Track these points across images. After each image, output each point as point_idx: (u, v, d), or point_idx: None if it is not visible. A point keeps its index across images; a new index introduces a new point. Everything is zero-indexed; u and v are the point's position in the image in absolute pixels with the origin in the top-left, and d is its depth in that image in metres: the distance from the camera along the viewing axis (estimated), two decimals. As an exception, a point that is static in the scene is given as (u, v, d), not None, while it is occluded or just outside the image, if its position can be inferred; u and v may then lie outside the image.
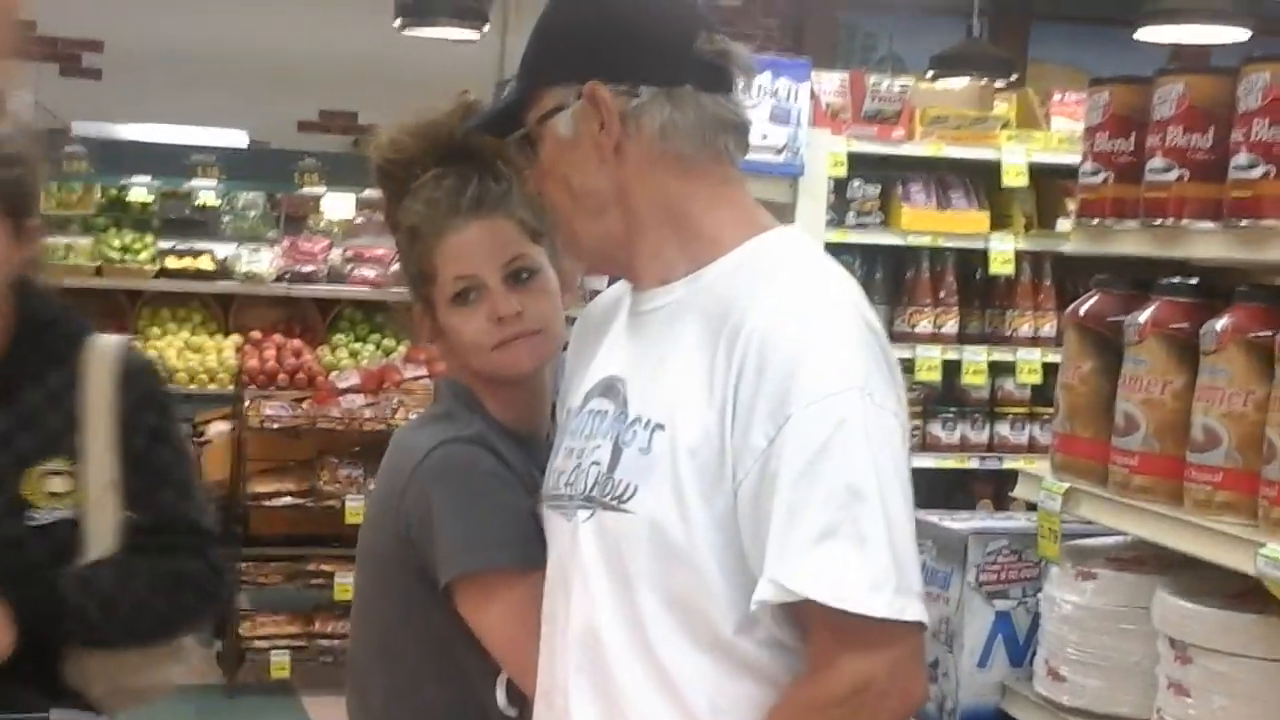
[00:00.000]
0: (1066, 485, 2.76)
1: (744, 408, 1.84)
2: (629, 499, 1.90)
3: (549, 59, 2.00)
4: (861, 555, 1.77)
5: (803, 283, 1.94)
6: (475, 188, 2.20)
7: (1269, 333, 2.38)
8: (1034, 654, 2.89)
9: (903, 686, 1.82)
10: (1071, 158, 4.60)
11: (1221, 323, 2.44)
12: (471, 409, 2.24)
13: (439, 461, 2.17)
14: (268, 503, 6.80)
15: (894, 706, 1.82)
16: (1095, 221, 2.85)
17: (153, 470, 2.58)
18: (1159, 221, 2.63)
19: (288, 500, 6.76)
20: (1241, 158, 2.40)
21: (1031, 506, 2.93)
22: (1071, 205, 4.81)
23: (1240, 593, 2.41)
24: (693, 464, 1.86)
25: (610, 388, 2.00)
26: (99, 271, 9.31)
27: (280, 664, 6.63)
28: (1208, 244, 2.53)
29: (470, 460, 2.17)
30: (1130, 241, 2.76)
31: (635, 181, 1.96)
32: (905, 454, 1.88)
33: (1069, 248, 2.99)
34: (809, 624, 1.82)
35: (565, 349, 2.23)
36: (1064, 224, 4.98)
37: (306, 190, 9.72)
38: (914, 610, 1.80)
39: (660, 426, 1.90)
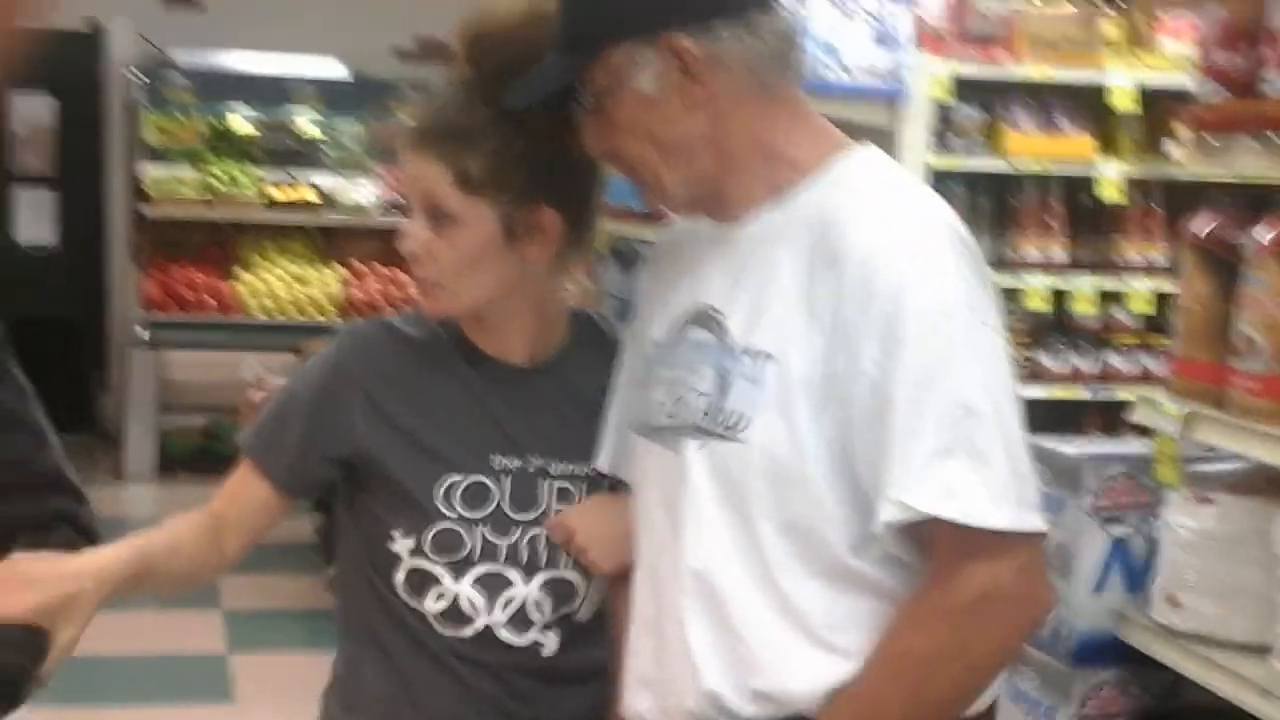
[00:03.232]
0: (1185, 409, 2.74)
1: (851, 332, 1.85)
2: (742, 429, 1.91)
3: (610, 20, 1.97)
4: (981, 471, 1.80)
5: (900, 203, 1.95)
6: (437, 116, 2.13)
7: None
8: (1150, 580, 2.88)
9: (1029, 592, 1.85)
10: (1181, 80, 4.55)
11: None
12: (414, 324, 2.22)
13: None
14: (374, 430, 6.86)
15: (1022, 612, 1.86)
16: (1210, 141, 2.81)
17: None
18: (1277, 138, 2.58)
19: (393, 427, 6.83)
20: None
21: (1147, 432, 2.91)
22: (1181, 129, 4.74)
23: (1364, 518, 2.39)
24: (804, 392, 1.88)
25: (706, 318, 2.01)
26: (205, 203, 9.42)
27: (389, 589, 6.71)
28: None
29: (325, 351, 2.23)
30: (1246, 160, 2.72)
31: (725, 120, 1.95)
32: (1010, 369, 1.90)
33: (1183, 169, 2.96)
34: (931, 540, 1.84)
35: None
36: (1173, 148, 4.90)
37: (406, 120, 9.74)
38: (1034, 521, 1.84)
39: (769, 356, 1.91)
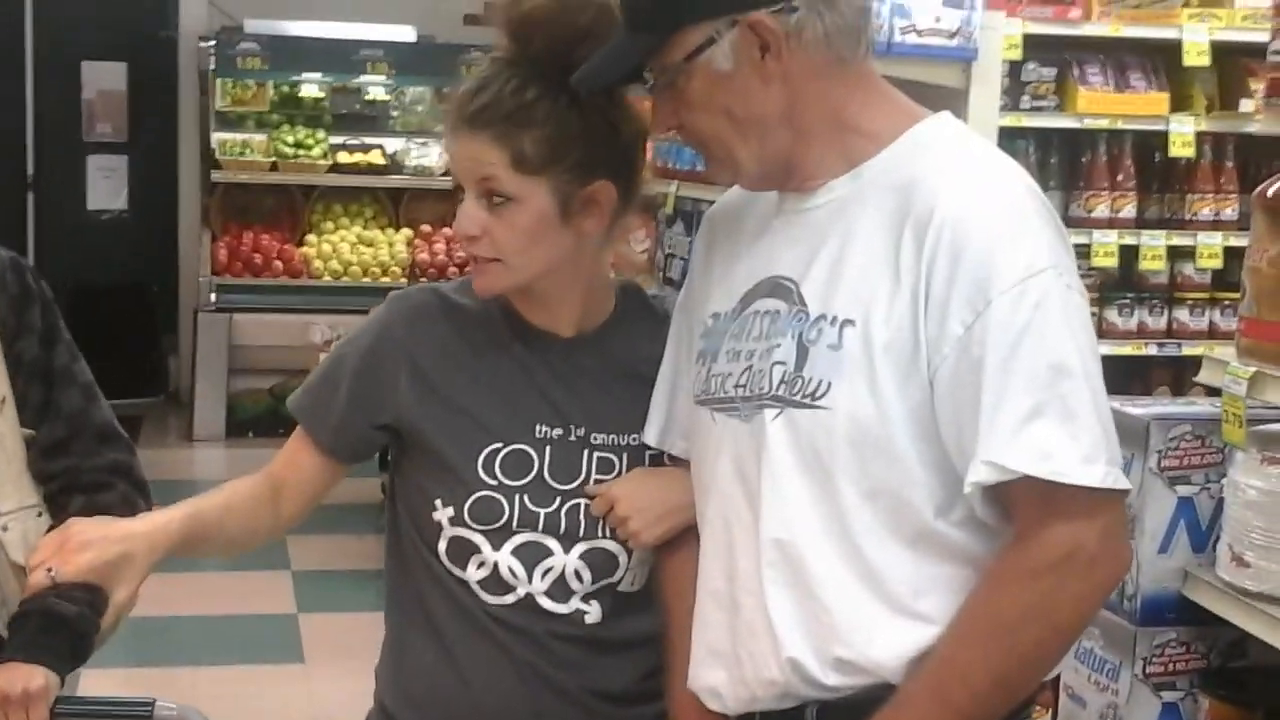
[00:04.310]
0: (1253, 369, 2.72)
1: (938, 296, 1.85)
2: (822, 395, 1.90)
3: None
4: (1072, 430, 1.80)
5: (984, 167, 1.94)
6: (486, 96, 2.09)
7: None
8: (1217, 540, 2.86)
9: (1112, 551, 1.86)
10: (1256, 35, 4.49)
11: None
12: (464, 292, 2.21)
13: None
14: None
15: (1105, 571, 1.86)
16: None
17: (51, 376, 2.31)
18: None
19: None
20: None
21: (1214, 392, 2.89)
22: (1255, 85, 4.68)
23: None
24: (887, 357, 1.87)
25: (779, 287, 1.99)
26: (274, 167, 9.49)
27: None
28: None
29: (372, 317, 2.23)
30: (1320, 119, 2.69)
31: (801, 96, 1.94)
32: (1092, 330, 1.90)
33: (1256, 128, 2.93)
34: (1018, 500, 1.84)
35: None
36: (1247, 104, 4.84)
37: (474, 84, 9.77)
38: (1122, 479, 1.84)
39: (850, 322, 1.90)
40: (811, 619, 1.93)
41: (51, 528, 2.22)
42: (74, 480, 2.30)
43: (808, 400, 1.91)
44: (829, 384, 1.90)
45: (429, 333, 2.19)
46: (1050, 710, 3.52)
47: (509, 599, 2.16)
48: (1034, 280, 1.82)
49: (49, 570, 2.04)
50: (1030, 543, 1.83)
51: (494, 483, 2.14)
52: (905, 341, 1.86)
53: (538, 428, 2.16)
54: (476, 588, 2.16)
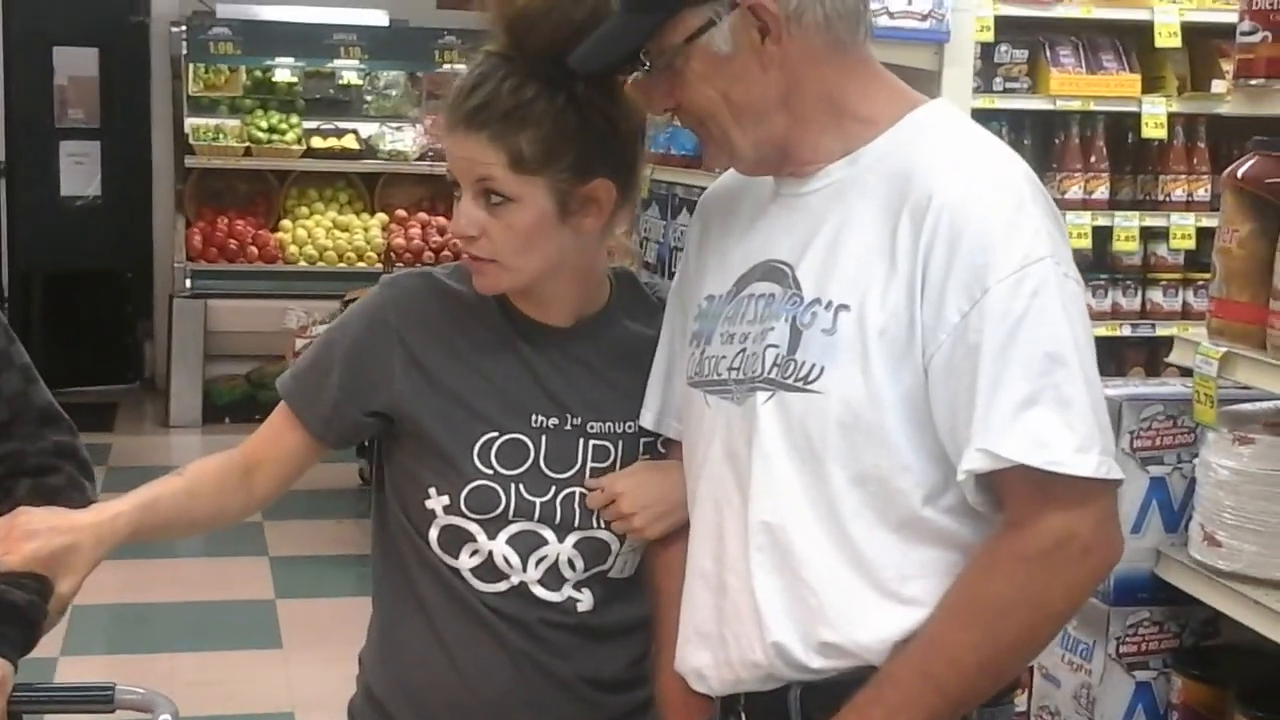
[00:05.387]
0: (1223, 349, 2.74)
1: (935, 282, 1.84)
2: (815, 379, 1.90)
3: None
4: (1067, 419, 1.80)
5: (982, 153, 1.93)
6: (483, 94, 2.06)
7: None
8: (1189, 519, 2.88)
9: (1104, 540, 1.85)
10: (1227, 16, 4.50)
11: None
12: (459, 279, 2.20)
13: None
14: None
15: (1097, 559, 1.86)
16: (1254, 82, 2.79)
17: None
18: (1321, 80, 2.57)
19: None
20: None
21: (1186, 372, 2.91)
22: (1227, 66, 4.70)
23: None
24: (882, 342, 1.87)
25: (774, 271, 1.99)
26: (248, 152, 9.46)
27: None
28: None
29: (364, 302, 2.22)
30: (1289, 101, 2.70)
31: (799, 80, 1.93)
32: (1088, 318, 1.90)
33: (1226, 109, 2.94)
34: (1012, 488, 1.84)
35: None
36: (1219, 85, 4.86)
37: (447, 68, 9.75)
38: (1115, 469, 1.84)
39: (845, 307, 1.89)
40: (798, 602, 1.93)
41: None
42: (19, 464, 2.30)
43: (800, 384, 1.91)
44: (822, 368, 1.89)
45: (423, 319, 2.18)
46: (1025, 690, 3.54)
47: (501, 587, 2.16)
48: (1032, 268, 1.81)
49: None
50: (1024, 530, 1.83)
51: (489, 472, 2.14)
52: (901, 327, 1.86)
53: (534, 417, 2.16)
54: (469, 575, 2.16)
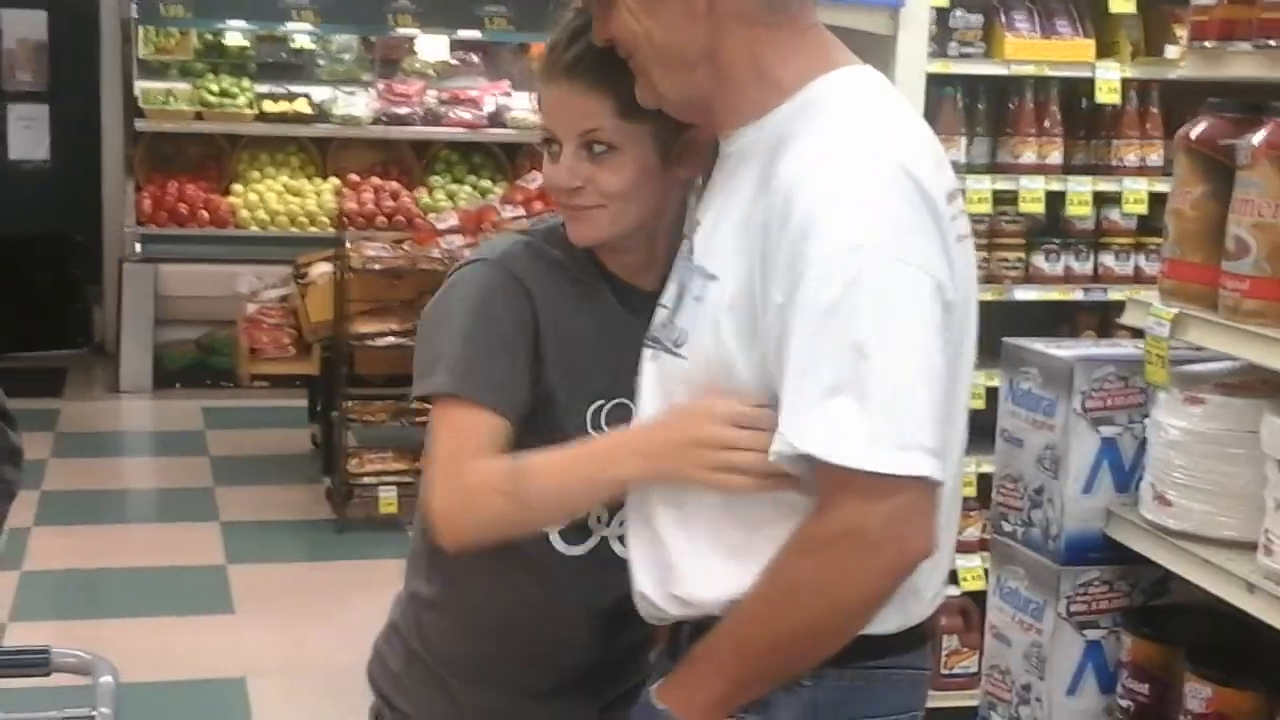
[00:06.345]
0: (1175, 310, 2.75)
1: (769, 261, 1.85)
2: (682, 345, 1.96)
3: None
4: (862, 411, 1.78)
5: (843, 131, 1.89)
6: (581, 45, 2.07)
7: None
8: (1140, 479, 2.90)
9: (899, 537, 1.83)
10: (1181, -19, 4.51)
11: (1337, 143, 2.40)
12: (554, 244, 2.18)
13: (448, 284, 2.20)
14: (371, 343, 6.87)
15: (888, 555, 1.84)
16: (1208, 44, 2.80)
17: None
18: (1273, 43, 2.57)
19: (390, 340, 6.81)
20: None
21: (1138, 334, 2.92)
22: (1180, 31, 4.71)
23: (1352, 415, 2.40)
24: (731, 315, 1.90)
25: (693, 227, 2.04)
26: (199, 116, 9.38)
27: (388, 500, 6.75)
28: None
29: (472, 283, 2.15)
30: (1243, 64, 2.71)
31: (725, 38, 1.94)
32: (934, 312, 1.83)
33: (1180, 72, 2.95)
34: (817, 474, 1.84)
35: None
36: (1172, 51, 4.87)
37: (401, 32, 9.69)
38: (917, 465, 1.80)
39: (713, 276, 1.93)
40: (654, 557, 2.01)
41: None
42: None
43: (672, 346, 1.97)
44: (688, 334, 1.95)
45: (540, 286, 2.14)
46: (976, 651, 3.56)
47: (580, 550, 2.19)
48: (851, 255, 1.79)
49: None
50: (820, 515, 1.85)
51: (598, 436, 2.14)
52: (747, 304, 1.88)
53: (634, 380, 2.13)
54: (555, 537, 2.18)
